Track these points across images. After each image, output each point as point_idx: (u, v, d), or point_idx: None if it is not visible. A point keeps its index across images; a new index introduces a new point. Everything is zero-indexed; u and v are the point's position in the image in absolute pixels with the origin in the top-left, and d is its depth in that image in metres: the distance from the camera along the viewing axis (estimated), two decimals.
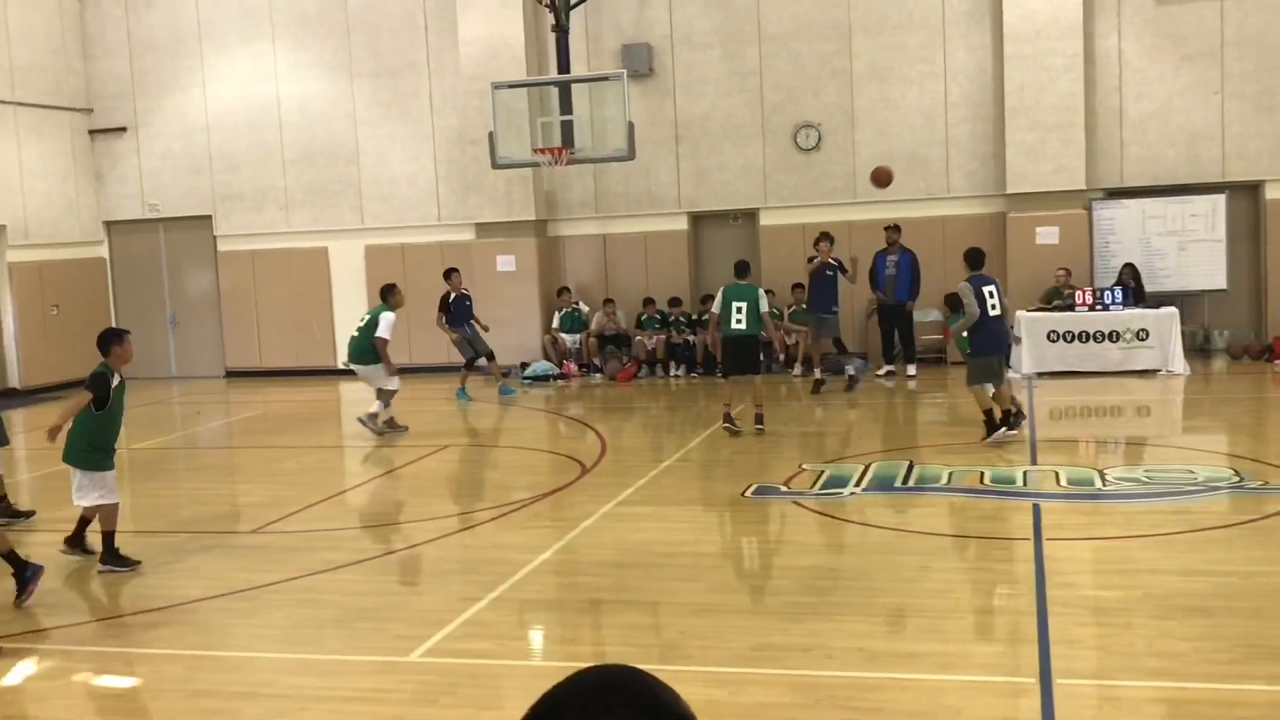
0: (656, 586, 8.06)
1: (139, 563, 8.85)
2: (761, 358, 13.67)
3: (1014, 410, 12.00)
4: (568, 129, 15.83)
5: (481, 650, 6.86)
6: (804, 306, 16.97)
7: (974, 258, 12.21)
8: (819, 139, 18.38)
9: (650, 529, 9.78)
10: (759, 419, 13.16)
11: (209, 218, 20.75)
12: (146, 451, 14.58)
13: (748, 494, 10.37)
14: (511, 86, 16.38)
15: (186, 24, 20.50)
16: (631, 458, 12.66)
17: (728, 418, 13.11)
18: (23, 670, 7.07)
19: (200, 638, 7.35)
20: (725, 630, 6.96)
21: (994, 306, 11.87)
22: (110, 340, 8.81)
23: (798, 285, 17.51)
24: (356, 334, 14.37)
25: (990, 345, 11.91)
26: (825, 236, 16.02)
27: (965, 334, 12.02)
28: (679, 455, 12.30)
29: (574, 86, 16.12)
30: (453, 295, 16.60)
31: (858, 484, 10.46)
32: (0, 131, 19.04)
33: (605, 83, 16.18)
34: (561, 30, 16.55)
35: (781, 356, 17.65)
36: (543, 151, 15.72)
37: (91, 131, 20.94)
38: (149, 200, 20.95)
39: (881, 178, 15.16)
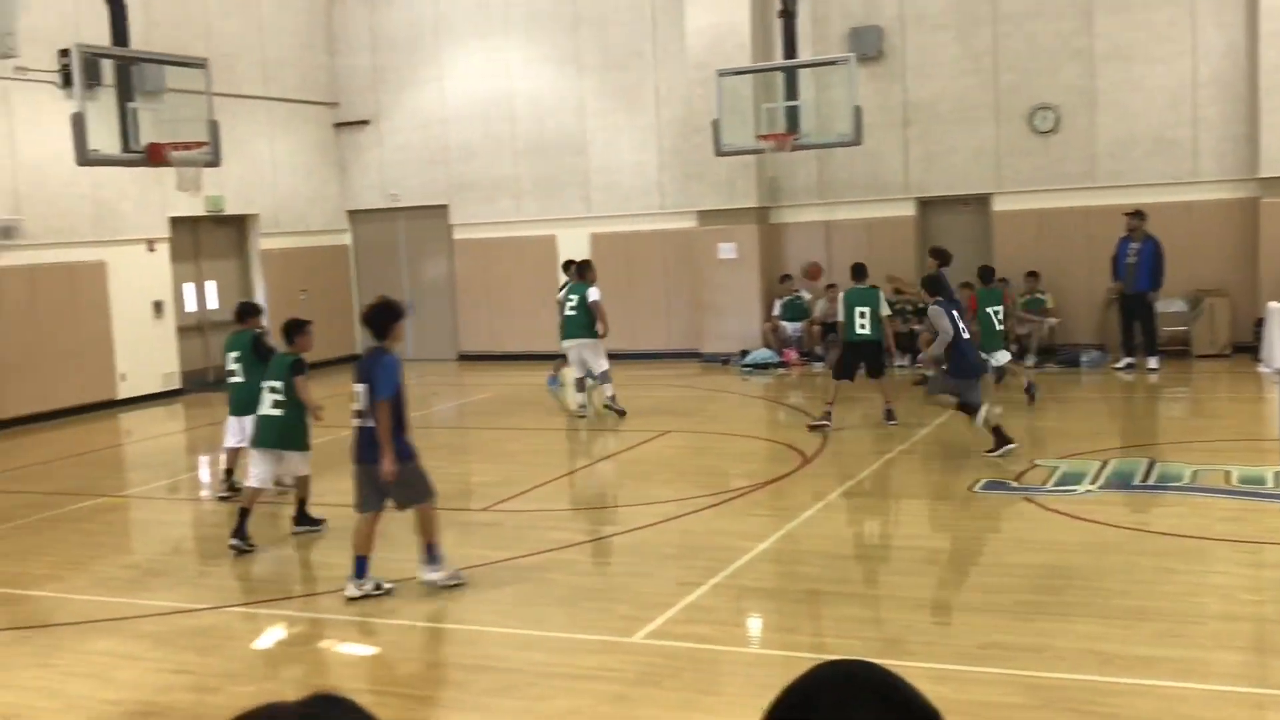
0: (878, 579, 7.97)
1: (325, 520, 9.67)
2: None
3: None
4: (793, 114, 15.74)
5: (702, 635, 6.92)
6: (1039, 294, 17.37)
7: (934, 284, 12.05)
8: (1057, 121, 17.72)
9: (872, 521, 9.67)
10: (890, 414, 13.02)
11: (445, 207, 21.52)
12: None
13: (976, 489, 10.11)
14: (737, 73, 16.39)
15: (425, 21, 21.29)
16: (854, 448, 12.50)
17: (827, 416, 12.93)
18: (273, 635, 7.53)
19: (436, 610, 7.66)
20: (950, 627, 6.83)
21: (964, 330, 11.57)
22: (294, 330, 9.65)
23: (1031, 273, 17.46)
24: (573, 313, 14.68)
25: (975, 368, 11.64)
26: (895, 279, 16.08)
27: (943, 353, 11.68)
28: (904, 446, 12.09)
29: (800, 71, 16.00)
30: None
31: (1094, 481, 10.08)
32: (254, 125, 20.17)
33: (832, 67, 16.01)
34: (788, 15, 16.42)
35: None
36: (767, 138, 15.67)
37: (336, 124, 21.99)
38: (389, 190, 21.88)
39: (813, 273, 17.01)
